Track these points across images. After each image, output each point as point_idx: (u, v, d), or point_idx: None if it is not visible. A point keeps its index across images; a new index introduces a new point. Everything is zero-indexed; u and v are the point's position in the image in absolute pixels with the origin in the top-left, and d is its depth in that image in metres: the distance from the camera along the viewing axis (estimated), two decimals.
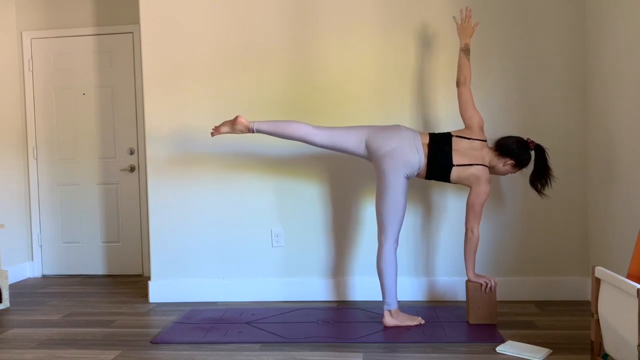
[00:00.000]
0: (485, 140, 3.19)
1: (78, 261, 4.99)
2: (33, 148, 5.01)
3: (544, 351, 2.68)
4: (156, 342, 3.02)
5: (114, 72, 4.92)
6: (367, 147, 3.14)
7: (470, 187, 3.13)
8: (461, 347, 2.81)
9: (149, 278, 4.60)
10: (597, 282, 2.31)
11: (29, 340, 3.12)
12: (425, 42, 3.71)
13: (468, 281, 3.19)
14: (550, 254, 3.68)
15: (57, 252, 5.03)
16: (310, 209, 3.82)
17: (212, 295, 3.87)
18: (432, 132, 3.32)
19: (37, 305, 3.94)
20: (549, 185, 3.20)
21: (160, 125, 3.90)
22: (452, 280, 3.73)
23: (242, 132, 3.21)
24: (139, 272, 4.93)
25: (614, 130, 3.21)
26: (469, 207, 3.11)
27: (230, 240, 3.88)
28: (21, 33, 4.98)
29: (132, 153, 4.91)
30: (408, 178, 3.11)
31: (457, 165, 3.09)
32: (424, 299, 3.75)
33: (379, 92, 3.73)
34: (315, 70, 3.78)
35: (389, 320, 3.14)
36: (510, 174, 3.37)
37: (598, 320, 2.33)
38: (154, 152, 3.91)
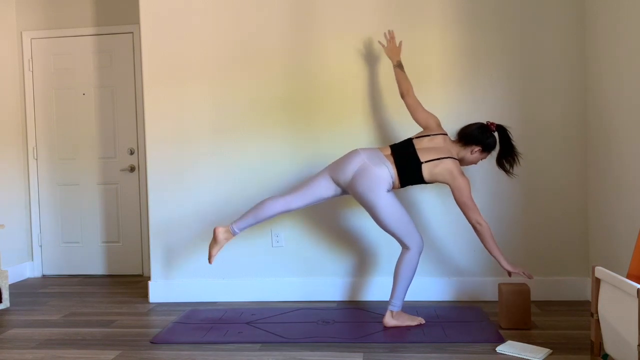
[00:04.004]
0: (445, 134, 3.20)
1: (78, 261, 4.99)
2: (33, 148, 5.01)
3: (544, 351, 2.68)
4: (156, 342, 3.02)
5: (114, 72, 4.92)
6: (335, 182, 3.14)
7: (449, 185, 3.10)
8: (461, 347, 2.81)
9: (149, 278, 4.60)
10: (597, 282, 2.31)
11: (29, 340, 3.12)
12: (425, 41, 3.71)
13: (501, 284, 3.14)
14: (550, 254, 3.68)
15: (57, 252, 5.03)
16: (310, 209, 3.82)
17: (212, 295, 3.87)
18: (391, 144, 3.29)
19: (37, 305, 3.94)
20: (517, 163, 3.20)
21: (160, 125, 3.90)
22: (452, 281, 3.73)
23: (227, 239, 3.20)
24: (139, 272, 4.93)
25: (614, 130, 3.21)
26: (460, 205, 3.08)
27: (230, 240, 3.87)
28: (21, 33, 4.98)
29: (132, 153, 4.91)
30: (388, 191, 3.09)
31: (426, 162, 3.08)
32: (424, 299, 3.75)
33: (379, 92, 3.73)
34: (315, 70, 3.77)
35: (390, 321, 3.14)
36: (482, 161, 3.38)
37: (598, 320, 2.33)
38: (154, 152, 3.91)
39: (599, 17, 3.38)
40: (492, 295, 3.69)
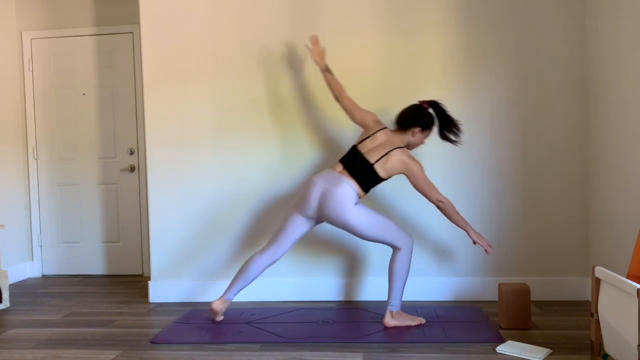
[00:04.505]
0: (384, 128, 3.22)
1: (78, 261, 4.99)
2: (33, 148, 5.01)
3: (544, 351, 2.68)
4: (156, 342, 3.02)
5: (114, 72, 4.92)
6: (306, 216, 3.17)
7: (405, 175, 3.13)
8: (461, 347, 2.81)
9: (149, 278, 4.61)
10: (597, 282, 2.31)
11: (29, 340, 3.12)
12: (425, 42, 3.71)
13: (501, 284, 3.15)
14: (550, 254, 3.68)
15: (57, 252, 5.03)
16: None
17: (212, 295, 3.87)
18: (340, 158, 3.30)
19: (37, 305, 3.94)
20: (460, 131, 3.21)
21: (160, 125, 3.90)
22: (452, 281, 3.73)
23: (226, 307, 3.30)
24: (139, 272, 4.93)
25: (614, 130, 3.21)
26: (418, 189, 3.12)
27: (230, 240, 3.87)
28: (21, 33, 4.98)
29: (132, 153, 4.91)
30: (356, 204, 3.10)
31: (376, 162, 3.10)
32: (424, 299, 3.75)
33: (379, 92, 3.73)
34: (315, 70, 3.77)
35: (390, 321, 3.14)
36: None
37: (598, 320, 2.33)
38: (154, 152, 3.91)
39: (599, 17, 3.38)
40: (492, 295, 3.69)
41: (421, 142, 3.26)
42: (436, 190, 3.11)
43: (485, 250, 3.13)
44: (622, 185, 3.13)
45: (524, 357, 2.63)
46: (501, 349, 2.74)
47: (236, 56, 3.84)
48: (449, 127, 3.19)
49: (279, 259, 3.26)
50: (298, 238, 3.24)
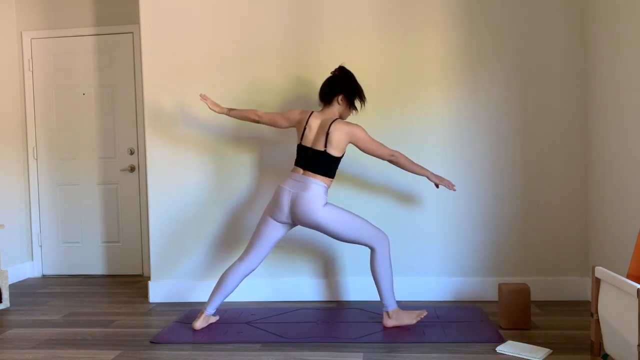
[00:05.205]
0: (312, 112, 3.22)
1: (78, 261, 4.99)
2: (33, 148, 5.01)
3: (544, 351, 2.68)
4: (156, 342, 3.02)
5: (114, 72, 4.92)
6: (280, 222, 3.18)
7: (352, 143, 3.15)
8: (461, 347, 2.81)
9: (149, 278, 4.61)
10: (597, 282, 2.31)
11: (29, 340, 3.12)
12: (425, 42, 3.71)
13: (501, 284, 3.15)
14: (550, 254, 3.68)
15: (57, 252, 5.03)
16: None
17: None
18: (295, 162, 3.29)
19: (37, 305, 3.94)
20: (363, 96, 3.25)
21: (160, 125, 3.90)
22: (452, 281, 3.73)
23: (208, 322, 3.26)
24: (139, 272, 4.93)
25: (614, 130, 3.21)
26: (369, 151, 3.15)
27: (230, 240, 3.88)
28: (21, 33, 4.98)
29: (132, 153, 4.91)
30: (326, 205, 3.11)
31: (326, 146, 3.11)
32: (424, 299, 3.75)
33: (379, 92, 3.73)
34: (315, 70, 3.77)
35: (388, 322, 3.14)
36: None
37: (598, 320, 2.33)
38: (154, 152, 3.91)
39: (600, 17, 3.39)
40: (492, 295, 3.69)
41: (350, 109, 3.25)
42: (384, 146, 3.15)
43: (452, 189, 3.23)
44: (622, 186, 3.13)
45: (524, 357, 2.63)
46: (501, 349, 2.74)
47: (236, 56, 3.84)
48: (355, 93, 3.21)
49: (257, 266, 3.25)
50: (274, 243, 3.24)
